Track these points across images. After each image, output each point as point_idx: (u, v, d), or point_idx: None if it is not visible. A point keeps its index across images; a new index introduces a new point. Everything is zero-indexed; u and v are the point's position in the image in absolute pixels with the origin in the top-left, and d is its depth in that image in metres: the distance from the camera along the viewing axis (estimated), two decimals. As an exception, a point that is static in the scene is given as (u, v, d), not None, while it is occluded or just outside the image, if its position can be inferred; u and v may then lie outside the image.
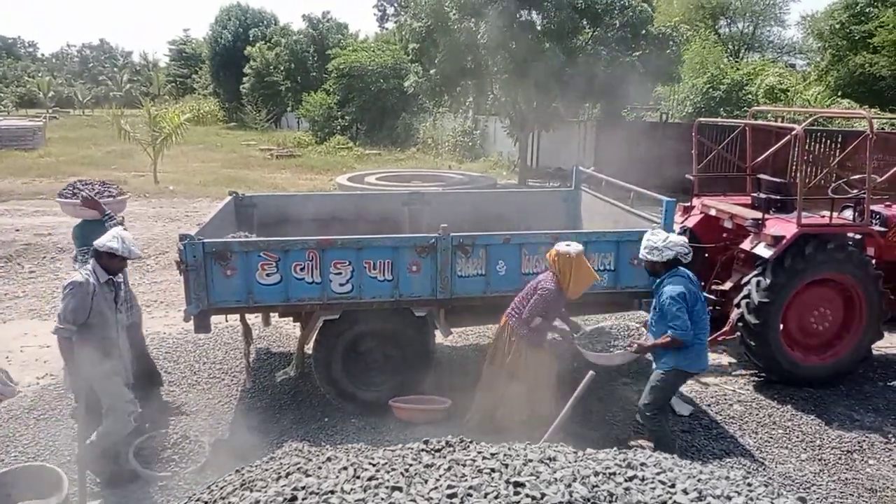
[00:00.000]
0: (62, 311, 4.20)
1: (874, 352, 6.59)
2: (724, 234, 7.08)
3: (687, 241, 4.62)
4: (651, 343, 4.61)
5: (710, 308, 6.96)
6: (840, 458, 5.04)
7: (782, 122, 11.15)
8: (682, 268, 4.56)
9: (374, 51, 31.48)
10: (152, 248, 11.13)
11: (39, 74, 63.64)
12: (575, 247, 4.77)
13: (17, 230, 12.29)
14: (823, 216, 6.33)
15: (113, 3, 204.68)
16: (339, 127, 31.16)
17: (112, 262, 4.39)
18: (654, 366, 4.71)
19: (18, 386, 5.90)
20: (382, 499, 2.63)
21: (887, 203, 7.04)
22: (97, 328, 4.31)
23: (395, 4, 19.51)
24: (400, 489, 2.70)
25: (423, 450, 3.19)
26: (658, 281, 4.60)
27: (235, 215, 6.54)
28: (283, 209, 6.79)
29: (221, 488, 3.09)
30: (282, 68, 39.19)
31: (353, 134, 30.78)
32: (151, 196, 16.92)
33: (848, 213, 6.56)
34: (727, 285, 6.76)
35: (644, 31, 16.90)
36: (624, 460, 2.97)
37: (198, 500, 3.04)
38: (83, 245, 4.89)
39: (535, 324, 4.83)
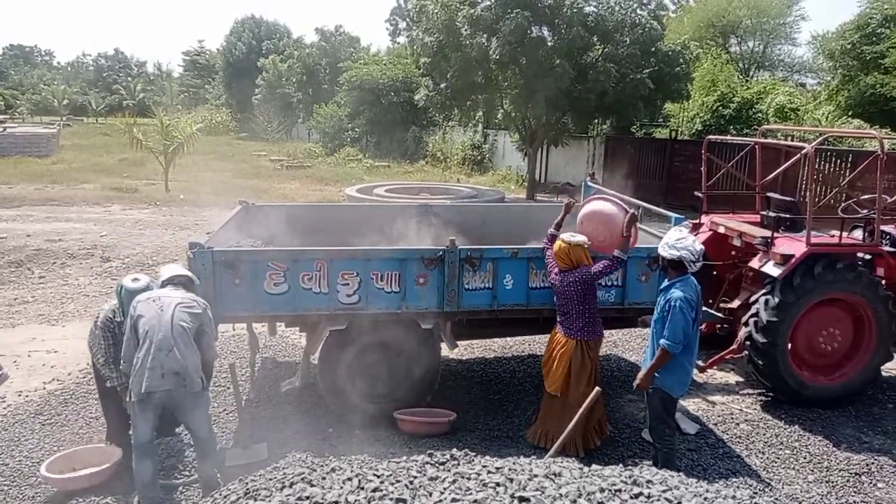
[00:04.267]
0: None
1: (884, 373, 6.53)
2: (733, 252, 7.06)
3: (700, 250, 4.50)
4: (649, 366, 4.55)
5: (719, 326, 6.95)
6: (848, 481, 4.98)
7: (792, 140, 11.14)
8: (692, 277, 4.52)
9: (385, 64, 31.72)
10: (161, 255, 11.20)
11: (55, 83, 64.41)
12: (578, 237, 5.10)
13: (29, 236, 12.42)
14: (833, 236, 6.31)
15: (129, 13, 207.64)
16: (349, 139, 31.38)
17: None
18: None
19: (4, 370, 5.40)
20: (386, 511, 2.62)
21: (898, 223, 7.00)
22: None
23: (408, 19, 19.63)
24: (404, 501, 2.69)
25: (427, 462, 3.18)
26: (668, 283, 4.52)
27: (245, 224, 6.58)
28: (292, 219, 6.83)
29: (225, 497, 3.09)
30: (294, 80, 39.59)
31: (363, 146, 30.97)
32: (162, 204, 17.08)
33: (858, 233, 6.53)
34: (735, 303, 6.73)
35: (654, 49, 17.02)
36: (630, 477, 2.95)
37: (201, 508, 3.04)
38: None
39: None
